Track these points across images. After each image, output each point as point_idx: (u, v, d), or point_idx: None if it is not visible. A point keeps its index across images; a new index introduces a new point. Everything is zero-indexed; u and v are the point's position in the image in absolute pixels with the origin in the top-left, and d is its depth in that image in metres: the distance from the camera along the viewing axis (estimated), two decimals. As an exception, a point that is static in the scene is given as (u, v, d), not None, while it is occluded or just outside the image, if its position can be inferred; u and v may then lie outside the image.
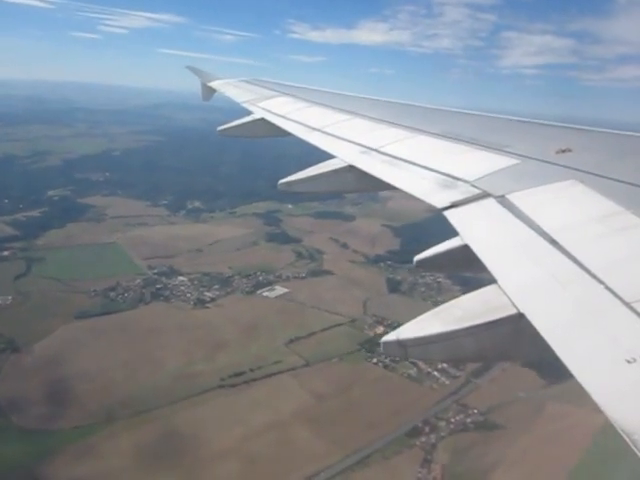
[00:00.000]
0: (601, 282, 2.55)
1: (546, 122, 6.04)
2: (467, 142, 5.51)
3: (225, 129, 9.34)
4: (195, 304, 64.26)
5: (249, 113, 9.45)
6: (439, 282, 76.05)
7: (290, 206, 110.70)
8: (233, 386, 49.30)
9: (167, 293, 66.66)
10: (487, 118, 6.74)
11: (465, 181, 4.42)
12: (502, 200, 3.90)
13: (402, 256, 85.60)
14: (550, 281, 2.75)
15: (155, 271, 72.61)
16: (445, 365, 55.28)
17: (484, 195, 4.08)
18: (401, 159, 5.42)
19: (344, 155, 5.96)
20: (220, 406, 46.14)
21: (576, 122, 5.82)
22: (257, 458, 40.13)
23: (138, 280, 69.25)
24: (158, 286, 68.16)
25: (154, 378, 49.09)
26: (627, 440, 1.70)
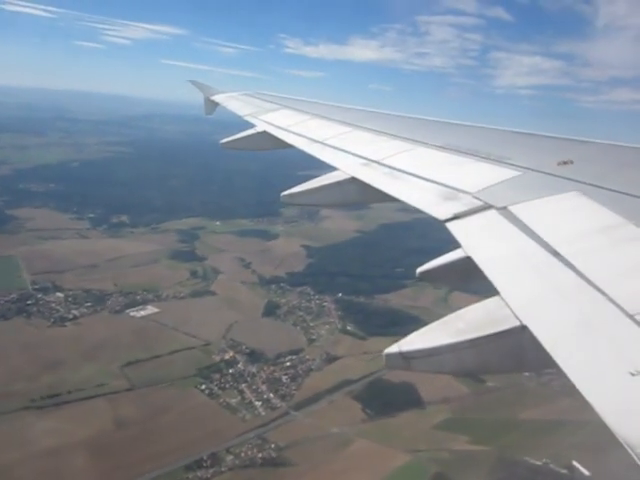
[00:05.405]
0: (604, 294, 2.54)
1: (547, 134, 6.03)
2: (468, 154, 5.53)
3: (227, 142, 9.43)
4: (54, 322, 64.73)
5: (251, 126, 9.53)
6: (323, 306, 75.29)
7: (218, 223, 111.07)
8: (40, 408, 49.36)
9: (34, 310, 67.31)
10: (488, 130, 6.75)
11: (467, 193, 4.43)
12: (504, 212, 3.89)
13: (300, 278, 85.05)
14: (552, 293, 2.76)
15: (36, 286, 73.48)
16: (271, 395, 54.62)
17: (486, 207, 4.07)
18: (403, 171, 5.46)
19: (346, 167, 6.00)
20: (12, 428, 46.18)
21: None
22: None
23: (13, 295, 70.12)
24: (29, 302, 68.95)
25: (-35, 396, 49.52)
26: (631, 454, 1.68)
